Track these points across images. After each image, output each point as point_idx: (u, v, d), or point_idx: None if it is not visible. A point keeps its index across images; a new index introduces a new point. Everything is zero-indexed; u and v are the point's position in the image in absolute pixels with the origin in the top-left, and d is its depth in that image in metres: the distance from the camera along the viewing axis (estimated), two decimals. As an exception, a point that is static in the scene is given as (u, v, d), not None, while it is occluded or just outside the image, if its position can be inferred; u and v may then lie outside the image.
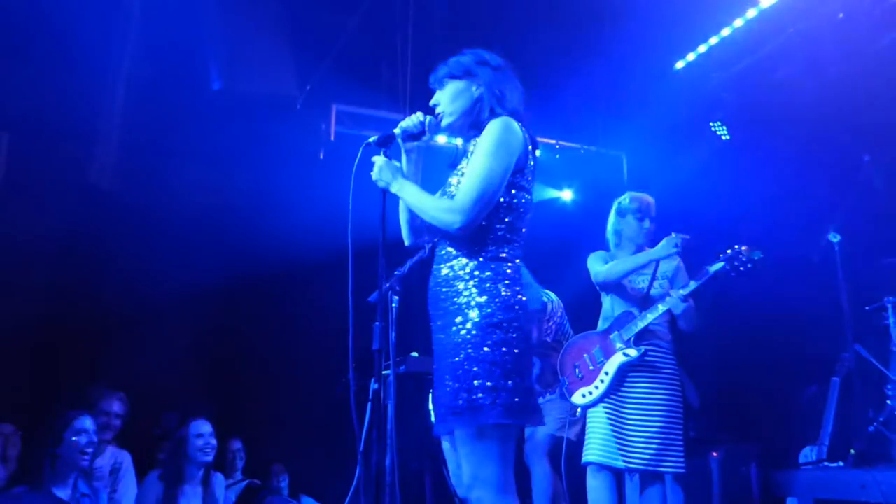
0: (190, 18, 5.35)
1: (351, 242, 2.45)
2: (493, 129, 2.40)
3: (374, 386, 2.26)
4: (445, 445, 2.50)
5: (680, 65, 6.14)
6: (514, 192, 2.42)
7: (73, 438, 3.83)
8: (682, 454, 3.65)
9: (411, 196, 2.47)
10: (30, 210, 5.33)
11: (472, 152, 2.47)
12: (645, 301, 3.85)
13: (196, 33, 5.42)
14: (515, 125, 2.43)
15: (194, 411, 4.76)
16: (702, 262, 3.80)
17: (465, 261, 2.38)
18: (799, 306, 5.25)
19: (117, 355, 5.30)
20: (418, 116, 2.55)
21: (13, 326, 5.05)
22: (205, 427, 4.62)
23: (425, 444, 4.12)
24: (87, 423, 3.93)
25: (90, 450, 3.89)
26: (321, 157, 6.22)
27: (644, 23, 5.87)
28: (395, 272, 3.72)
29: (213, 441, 4.62)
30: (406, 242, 2.68)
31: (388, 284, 3.61)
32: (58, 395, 4.98)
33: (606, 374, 3.74)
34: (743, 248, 3.69)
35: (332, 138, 6.15)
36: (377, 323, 2.33)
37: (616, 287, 3.92)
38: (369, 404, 4.11)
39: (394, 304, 3.65)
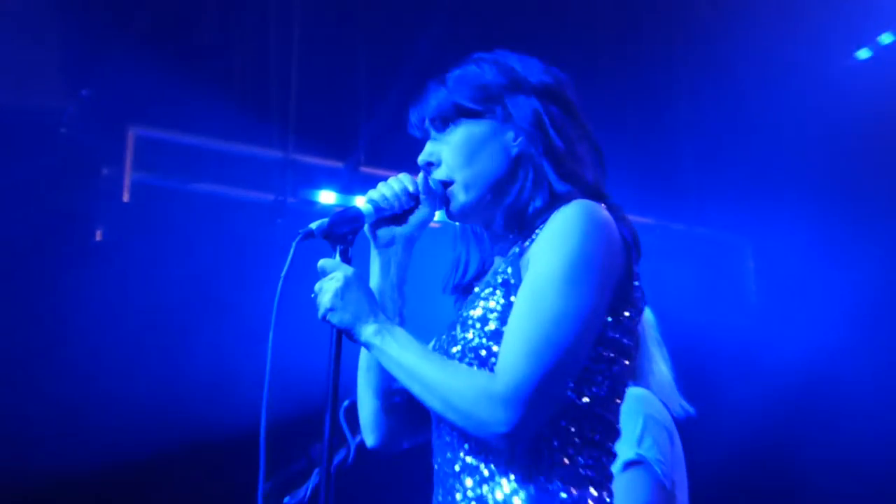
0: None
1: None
2: (566, 228, 1.32)
3: None
4: None
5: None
6: (610, 339, 1.35)
7: None
8: None
9: (402, 355, 1.32)
10: None
11: (508, 265, 1.38)
12: None
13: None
14: (607, 217, 1.35)
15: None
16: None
17: (510, 486, 1.29)
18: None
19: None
20: (402, 181, 1.47)
21: None
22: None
23: None
24: None
25: None
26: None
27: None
28: (285, 500, 2.48)
29: None
30: (370, 442, 1.57)
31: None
32: None
33: None
34: None
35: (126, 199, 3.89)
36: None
37: None
38: None
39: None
